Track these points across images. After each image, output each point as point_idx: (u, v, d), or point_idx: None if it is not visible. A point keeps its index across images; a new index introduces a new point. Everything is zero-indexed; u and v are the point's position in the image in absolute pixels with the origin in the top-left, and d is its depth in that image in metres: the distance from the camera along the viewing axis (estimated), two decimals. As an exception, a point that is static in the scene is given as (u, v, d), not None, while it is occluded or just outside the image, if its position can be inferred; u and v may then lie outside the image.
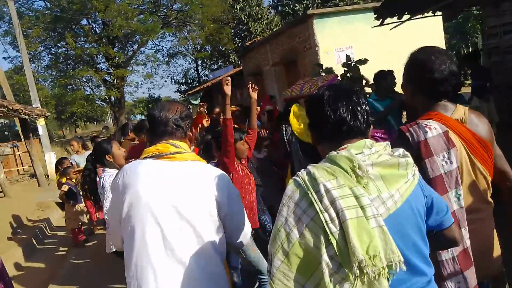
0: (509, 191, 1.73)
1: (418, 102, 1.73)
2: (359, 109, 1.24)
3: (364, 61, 6.38)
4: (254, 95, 3.60)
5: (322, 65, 7.11)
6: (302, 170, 1.19)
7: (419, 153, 1.56)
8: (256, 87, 3.62)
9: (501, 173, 1.72)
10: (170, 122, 1.65)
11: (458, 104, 1.70)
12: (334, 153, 1.20)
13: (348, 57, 6.64)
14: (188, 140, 1.71)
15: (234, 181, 2.98)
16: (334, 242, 1.05)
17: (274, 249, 1.10)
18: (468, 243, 1.57)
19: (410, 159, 1.23)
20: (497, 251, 1.69)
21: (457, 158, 1.57)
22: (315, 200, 1.09)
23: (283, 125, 3.64)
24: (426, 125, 1.59)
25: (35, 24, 25.70)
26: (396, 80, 4.27)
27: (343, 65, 6.62)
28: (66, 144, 25.81)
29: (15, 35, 12.02)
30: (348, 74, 6.57)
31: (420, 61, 1.66)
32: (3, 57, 45.07)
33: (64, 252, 6.18)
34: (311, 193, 1.10)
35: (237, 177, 3.04)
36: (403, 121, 4.27)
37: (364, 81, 6.50)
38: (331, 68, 6.76)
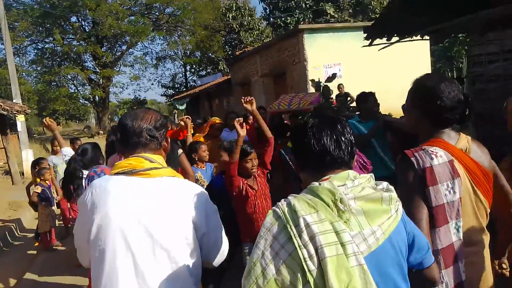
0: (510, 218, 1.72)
1: (421, 129, 1.70)
2: (343, 139, 1.21)
3: (332, 77, 6.45)
4: (252, 107, 3.33)
5: (319, 81, 7.17)
6: (283, 200, 1.14)
7: (424, 180, 1.53)
8: (250, 99, 3.36)
9: (506, 200, 1.71)
10: (143, 133, 1.51)
11: (461, 133, 1.69)
12: (316, 184, 1.15)
13: (318, 82, 6.75)
14: (163, 151, 1.59)
15: (235, 197, 3.09)
16: (311, 280, 0.99)
17: (248, 284, 1.04)
18: (463, 276, 1.55)
19: (394, 194, 1.19)
20: (490, 281, 1.67)
21: (460, 188, 1.55)
22: (294, 235, 1.04)
23: (281, 150, 3.65)
24: (432, 151, 1.56)
25: (23, 18, 25.23)
26: (378, 101, 4.28)
27: (327, 80, 6.70)
28: (46, 141, 25.21)
29: (1, 28, 11.71)
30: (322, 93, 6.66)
31: (428, 87, 1.62)
32: (-14, 49, 44.03)
33: (32, 256, 5.95)
34: (290, 226, 1.05)
35: (239, 196, 3.08)
36: (387, 143, 4.28)
37: (349, 99, 6.60)
38: (327, 85, 6.81)
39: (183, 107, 28.23)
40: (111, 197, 1.43)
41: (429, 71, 14.72)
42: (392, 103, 8.83)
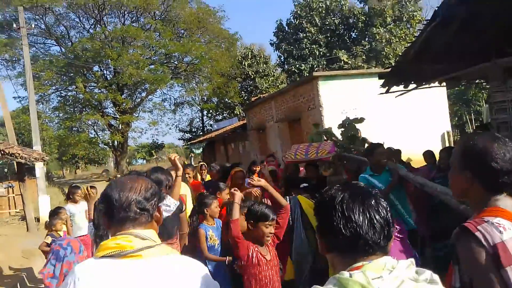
0: None
1: (472, 194, 1.48)
2: (378, 218, 1.03)
3: (360, 120, 6.33)
4: (263, 182, 3.07)
5: (319, 124, 7.09)
6: None
7: (496, 259, 1.26)
8: (258, 179, 3.07)
9: None
10: (132, 206, 1.30)
11: None
12: (346, 274, 0.98)
13: (347, 118, 6.62)
14: (156, 222, 1.39)
15: (244, 268, 2.77)
16: None
17: None
18: None
19: (440, 287, 1.02)
20: None
21: None
22: None
23: (287, 196, 3.37)
24: (499, 224, 1.31)
25: (48, 68, 26.44)
26: (393, 150, 4.19)
27: (339, 126, 6.58)
28: (64, 185, 25.50)
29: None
30: (347, 134, 6.50)
31: (480, 148, 1.44)
32: (13, 97, 46.37)
33: (42, 310, 5.75)
34: None
35: (248, 265, 2.75)
36: (404, 195, 4.10)
37: (366, 145, 6.47)
38: (330, 128, 6.72)
39: (200, 150, 28.47)
40: None
41: (447, 115, 14.57)
42: (411, 148, 8.64)
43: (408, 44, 5.75)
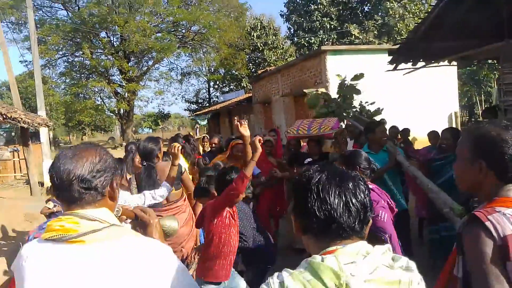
0: None
1: (486, 185, 1.42)
2: (354, 202, 0.99)
3: (359, 76, 6.14)
4: (246, 132, 2.99)
5: (317, 90, 6.91)
6: (275, 276, 0.95)
7: (505, 251, 1.21)
8: (243, 122, 2.98)
9: None
10: (74, 185, 1.14)
11: None
12: (318, 258, 0.94)
13: (343, 80, 6.45)
14: (110, 199, 1.22)
15: (214, 225, 2.74)
16: None
17: None
18: None
19: (416, 275, 0.98)
20: None
21: None
22: None
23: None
24: (511, 215, 1.27)
25: (55, 32, 26.15)
26: (387, 130, 4.12)
27: (338, 86, 6.41)
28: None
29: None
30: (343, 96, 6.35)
31: (495, 135, 1.38)
32: (19, 61, 46.21)
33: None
34: None
35: (220, 225, 2.75)
36: (398, 175, 4.07)
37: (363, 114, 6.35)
38: (328, 93, 6.56)
39: (205, 122, 28.47)
40: (33, 278, 1.11)
41: (456, 95, 14.29)
42: (417, 127, 8.52)
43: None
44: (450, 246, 1.53)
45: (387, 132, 4.78)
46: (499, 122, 1.45)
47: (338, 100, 6.14)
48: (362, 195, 1.01)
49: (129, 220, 1.60)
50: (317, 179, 1.02)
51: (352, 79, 6.12)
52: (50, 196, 5.81)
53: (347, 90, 6.09)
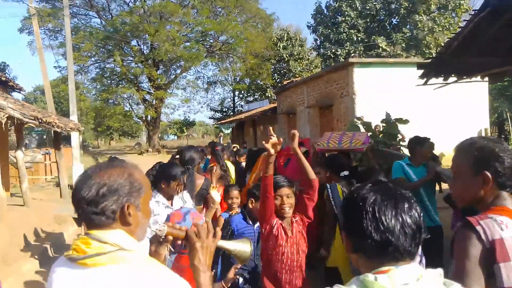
0: None
1: (487, 196, 1.48)
2: (410, 223, 0.98)
3: (405, 121, 6.09)
4: (294, 143, 2.61)
5: (362, 117, 6.87)
6: None
7: (492, 254, 1.29)
8: (292, 133, 2.60)
9: None
10: (83, 207, 1.13)
11: None
12: (371, 277, 0.94)
13: (388, 114, 6.41)
14: (122, 224, 1.15)
15: (265, 237, 2.63)
16: None
17: None
18: None
19: None
20: None
21: None
22: None
23: (327, 184, 3.25)
24: (501, 221, 1.33)
25: (88, 39, 27.12)
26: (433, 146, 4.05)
27: (382, 121, 6.38)
28: (99, 155, 26.48)
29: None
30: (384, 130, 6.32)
31: (493, 147, 1.47)
32: (54, 66, 48.21)
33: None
34: None
35: (268, 236, 2.63)
36: (434, 191, 4.00)
37: (399, 137, 6.26)
38: (370, 122, 6.52)
39: (229, 131, 28.70)
40: None
41: (487, 111, 13.90)
42: (445, 143, 8.32)
43: (452, 35, 5.45)
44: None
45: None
46: (488, 137, 1.55)
47: (381, 136, 6.13)
48: (417, 216, 1.00)
49: (179, 241, 1.44)
50: (372, 200, 1.01)
51: (397, 121, 6.12)
52: None
53: (393, 128, 6.06)
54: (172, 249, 1.99)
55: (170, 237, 1.38)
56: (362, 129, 6.53)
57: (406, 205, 1.00)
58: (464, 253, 1.33)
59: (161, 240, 1.38)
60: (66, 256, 1.12)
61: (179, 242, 1.45)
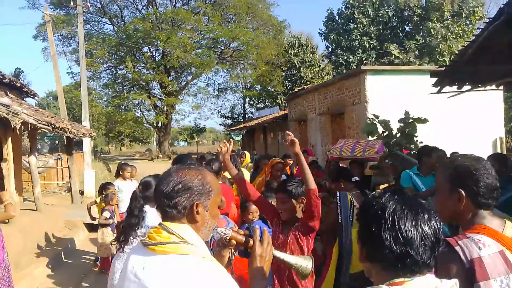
0: None
1: (464, 213, 1.49)
2: (429, 235, 0.95)
3: (424, 121, 6.00)
4: (295, 148, 2.59)
5: (378, 116, 6.73)
6: None
7: (471, 274, 1.30)
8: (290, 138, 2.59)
9: None
10: (161, 199, 1.30)
11: (506, 220, 1.50)
12: None
13: (407, 113, 6.30)
14: (189, 221, 1.28)
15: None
16: None
17: None
18: None
19: None
20: None
21: None
22: None
23: (337, 192, 3.20)
24: (479, 240, 1.36)
25: (101, 46, 27.51)
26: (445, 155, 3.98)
27: (400, 120, 6.27)
28: (110, 161, 26.70)
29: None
30: (404, 130, 6.19)
31: (470, 165, 1.50)
32: (66, 72, 49.02)
33: (82, 277, 6.06)
34: None
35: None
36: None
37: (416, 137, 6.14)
38: (388, 120, 6.41)
39: (239, 137, 28.75)
40: (118, 268, 1.32)
41: (502, 120, 13.65)
42: (460, 153, 8.19)
43: (466, 42, 5.37)
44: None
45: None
46: (471, 155, 1.58)
47: (397, 134, 6.05)
48: (437, 227, 0.98)
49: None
50: (391, 209, 0.98)
51: (416, 120, 6.03)
52: (105, 206, 6.03)
53: (411, 129, 5.98)
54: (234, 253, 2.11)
55: (234, 241, 1.48)
56: (380, 128, 6.41)
57: (426, 216, 0.97)
58: (445, 274, 1.32)
59: (226, 243, 1.48)
60: (142, 241, 1.27)
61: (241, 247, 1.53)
